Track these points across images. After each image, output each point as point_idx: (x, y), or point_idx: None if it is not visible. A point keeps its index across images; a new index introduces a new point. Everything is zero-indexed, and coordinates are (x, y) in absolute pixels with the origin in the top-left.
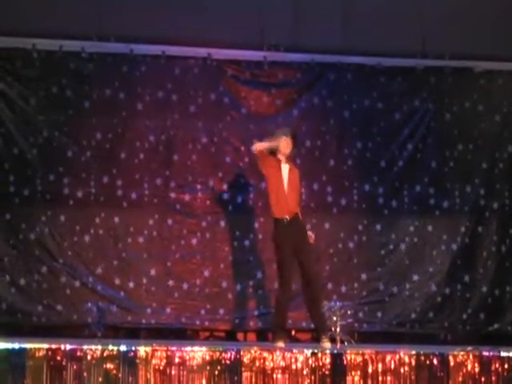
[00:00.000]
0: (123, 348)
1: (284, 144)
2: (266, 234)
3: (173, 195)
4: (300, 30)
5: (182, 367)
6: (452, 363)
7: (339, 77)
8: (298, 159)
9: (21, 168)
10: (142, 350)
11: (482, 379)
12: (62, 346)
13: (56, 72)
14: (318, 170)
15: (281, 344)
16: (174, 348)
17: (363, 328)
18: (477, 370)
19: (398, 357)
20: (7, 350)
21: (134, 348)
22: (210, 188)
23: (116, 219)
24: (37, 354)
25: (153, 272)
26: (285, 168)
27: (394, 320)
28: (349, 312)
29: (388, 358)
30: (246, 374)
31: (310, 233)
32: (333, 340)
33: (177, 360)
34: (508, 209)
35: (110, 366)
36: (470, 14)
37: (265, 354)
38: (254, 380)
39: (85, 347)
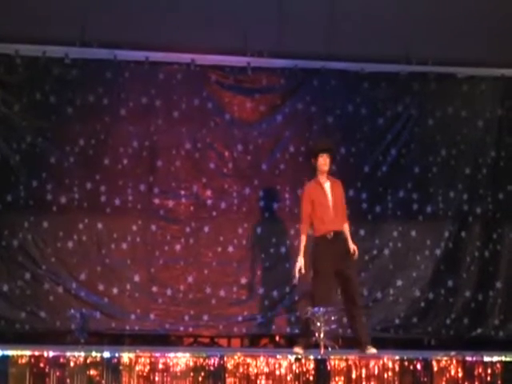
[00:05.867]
0: (107, 354)
1: (321, 161)
2: (250, 239)
3: (156, 201)
4: (283, 36)
5: (165, 373)
6: (435, 368)
7: (323, 82)
8: (282, 165)
9: (4, 174)
10: (126, 357)
11: None
12: (45, 353)
13: (39, 78)
14: (301, 176)
15: (298, 350)
16: (157, 354)
17: (347, 333)
18: (460, 375)
19: (381, 362)
20: None
21: (117, 354)
22: (193, 194)
23: (99, 225)
24: (19, 361)
25: (136, 278)
26: (327, 186)
27: (378, 325)
28: (333, 317)
29: (372, 363)
30: (229, 380)
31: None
32: (316, 345)
33: (160, 366)
34: (491, 214)
35: (93, 372)
36: (453, 21)
37: (248, 360)
38: None
39: (68, 354)
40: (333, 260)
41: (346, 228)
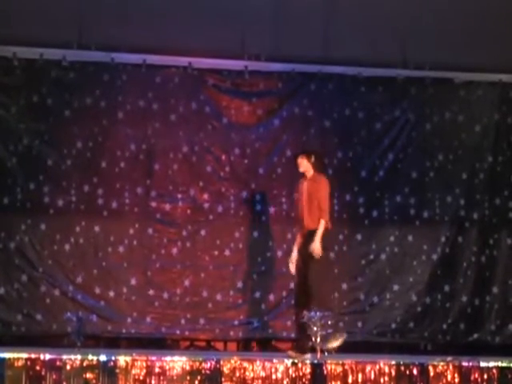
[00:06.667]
0: (103, 358)
1: (297, 164)
2: (247, 243)
3: (153, 204)
4: (281, 40)
5: (161, 377)
6: (432, 373)
7: (320, 86)
8: (279, 169)
9: (0, 176)
10: (122, 360)
11: None
12: (42, 356)
13: (37, 80)
14: (298, 180)
15: (293, 354)
16: (153, 358)
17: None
18: (456, 380)
19: (378, 367)
20: None
21: (113, 358)
22: (190, 197)
23: (96, 228)
24: (16, 364)
25: (133, 281)
26: (304, 186)
27: (375, 330)
28: (329, 322)
29: (368, 368)
30: None
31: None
32: (313, 350)
33: (157, 370)
34: (488, 219)
35: (89, 375)
36: (451, 25)
37: (245, 364)
38: None
39: (64, 357)
40: (301, 257)
41: (320, 225)
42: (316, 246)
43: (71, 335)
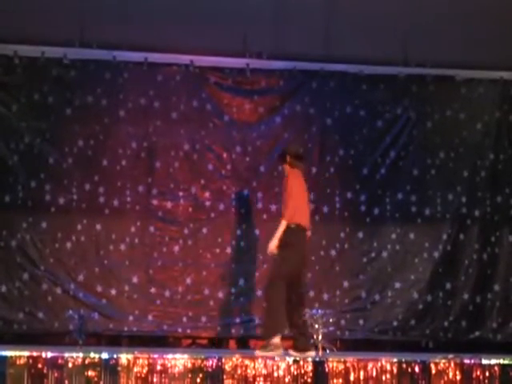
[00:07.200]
0: (105, 355)
1: None
2: (249, 241)
3: (155, 202)
4: (282, 38)
5: (163, 375)
6: (433, 371)
7: (322, 84)
8: (280, 166)
9: (2, 174)
10: (124, 358)
11: None
12: (43, 354)
13: (38, 78)
14: None
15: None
16: (155, 355)
17: (345, 336)
18: (458, 377)
19: (379, 364)
20: None
21: (115, 355)
22: (192, 195)
23: (98, 226)
24: (18, 362)
25: (135, 279)
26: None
27: (376, 327)
28: (331, 320)
29: (370, 365)
30: (227, 382)
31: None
32: (315, 347)
33: (158, 368)
34: (489, 217)
35: (91, 373)
36: (451, 23)
37: (247, 362)
38: None
39: (66, 355)
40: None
41: (280, 224)
42: (270, 244)
43: (73, 333)
